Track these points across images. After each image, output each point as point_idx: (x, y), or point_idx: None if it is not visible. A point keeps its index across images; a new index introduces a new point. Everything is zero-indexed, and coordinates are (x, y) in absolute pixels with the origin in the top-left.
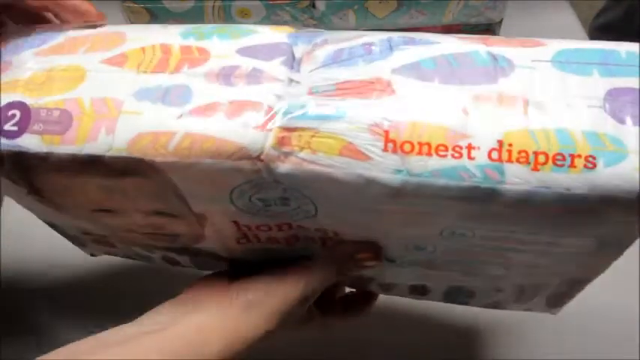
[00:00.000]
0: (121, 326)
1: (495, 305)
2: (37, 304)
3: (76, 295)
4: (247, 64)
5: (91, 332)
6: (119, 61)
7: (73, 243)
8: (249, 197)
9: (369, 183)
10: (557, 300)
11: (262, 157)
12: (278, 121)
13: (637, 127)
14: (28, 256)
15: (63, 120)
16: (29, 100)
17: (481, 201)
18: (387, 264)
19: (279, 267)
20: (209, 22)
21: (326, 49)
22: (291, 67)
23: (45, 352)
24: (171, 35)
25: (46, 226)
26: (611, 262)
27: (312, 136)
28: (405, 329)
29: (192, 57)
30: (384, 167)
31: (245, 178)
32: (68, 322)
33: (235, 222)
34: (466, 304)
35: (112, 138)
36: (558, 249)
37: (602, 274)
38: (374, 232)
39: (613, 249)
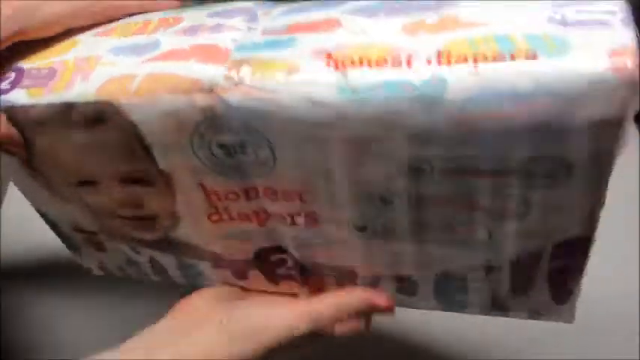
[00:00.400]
0: (101, 354)
1: (494, 302)
2: (36, 304)
3: (76, 293)
4: (213, 21)
5: (91, 329)
6: (108, 32)
7: (69, 249)
8: (208, 145)
9: (314, 105)
10: (560, 284)
11: (215, 89)
12: (231, 57)
13: (579, 28)
14: (27, 254)
15: (49, 75)
16: (26, 65)
17: (426, 112)
18: (358, 236)
19: (271, 296)
20: None
21: (284, 7)
22: (252, 21)
23: (44, 352)
24: (155, 14)
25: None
26: (598, 208)
27: (261, 65)
28: (403, 332)
29: (168, 23)
30: (327, 85)
31: (202, 114)
32: (68, 320)
33: (202, 185)
34: (464, 307)
35: (86, 85)
36: (529, 183)
37: (601, 276)
38: (336, 188)
39: (589, 179)
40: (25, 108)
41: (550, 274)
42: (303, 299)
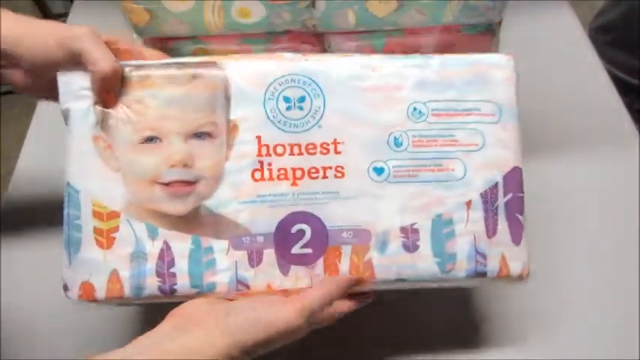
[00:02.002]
0: (105, 355)
1: (477, 249)
2: (37, 303)
3: None
4: None
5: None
6: None
7: (67, 249)
8: (277, 97)
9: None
10: (513, 219)
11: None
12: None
13: None
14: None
15: None
16: None
17: (422, 71)
18: (375, 185)
19: (265, 296)
20: (208, 22)
21: None
22: None
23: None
24: None
25: (47, 223)
26: (520, 143)
27: None
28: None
29: None
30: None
31: (282, 72)
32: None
33: (258, 137)
34: (454, 259)
35: None
36: (482, 119)
37: (601, 277)
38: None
39: (511, 115)
40: (138, 65)
41: (506, 207)
42: (294, 295)
